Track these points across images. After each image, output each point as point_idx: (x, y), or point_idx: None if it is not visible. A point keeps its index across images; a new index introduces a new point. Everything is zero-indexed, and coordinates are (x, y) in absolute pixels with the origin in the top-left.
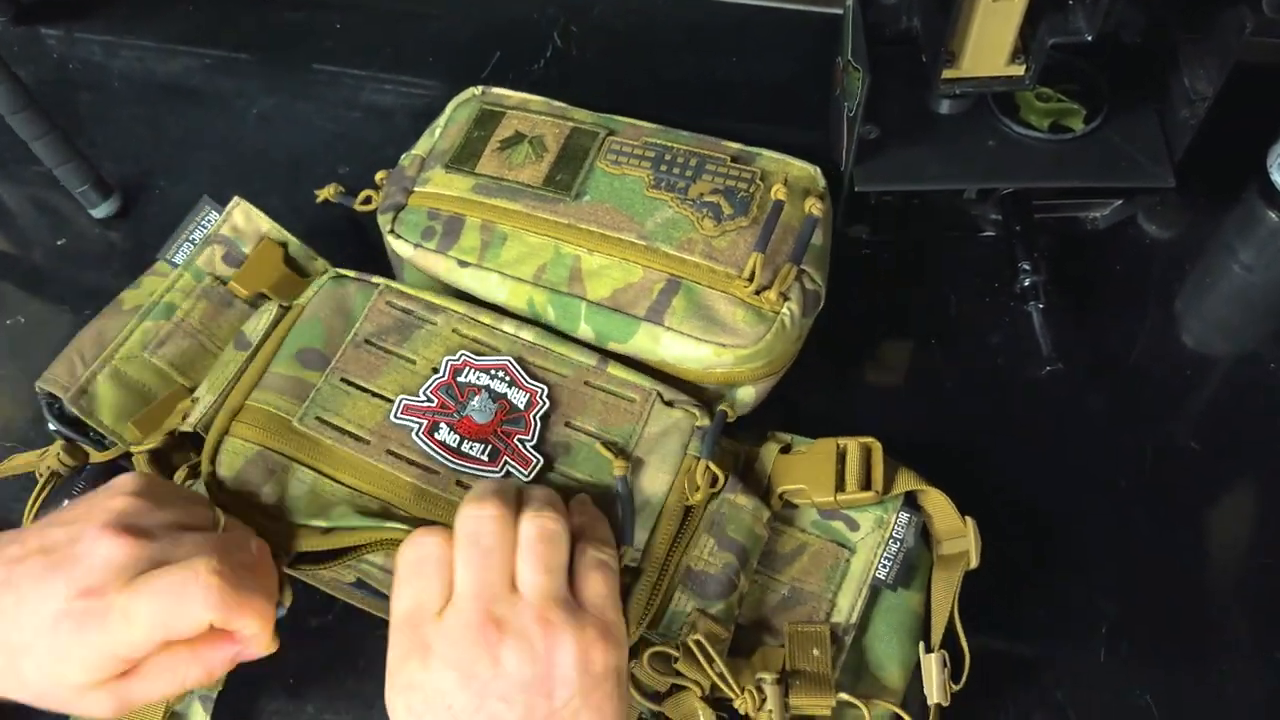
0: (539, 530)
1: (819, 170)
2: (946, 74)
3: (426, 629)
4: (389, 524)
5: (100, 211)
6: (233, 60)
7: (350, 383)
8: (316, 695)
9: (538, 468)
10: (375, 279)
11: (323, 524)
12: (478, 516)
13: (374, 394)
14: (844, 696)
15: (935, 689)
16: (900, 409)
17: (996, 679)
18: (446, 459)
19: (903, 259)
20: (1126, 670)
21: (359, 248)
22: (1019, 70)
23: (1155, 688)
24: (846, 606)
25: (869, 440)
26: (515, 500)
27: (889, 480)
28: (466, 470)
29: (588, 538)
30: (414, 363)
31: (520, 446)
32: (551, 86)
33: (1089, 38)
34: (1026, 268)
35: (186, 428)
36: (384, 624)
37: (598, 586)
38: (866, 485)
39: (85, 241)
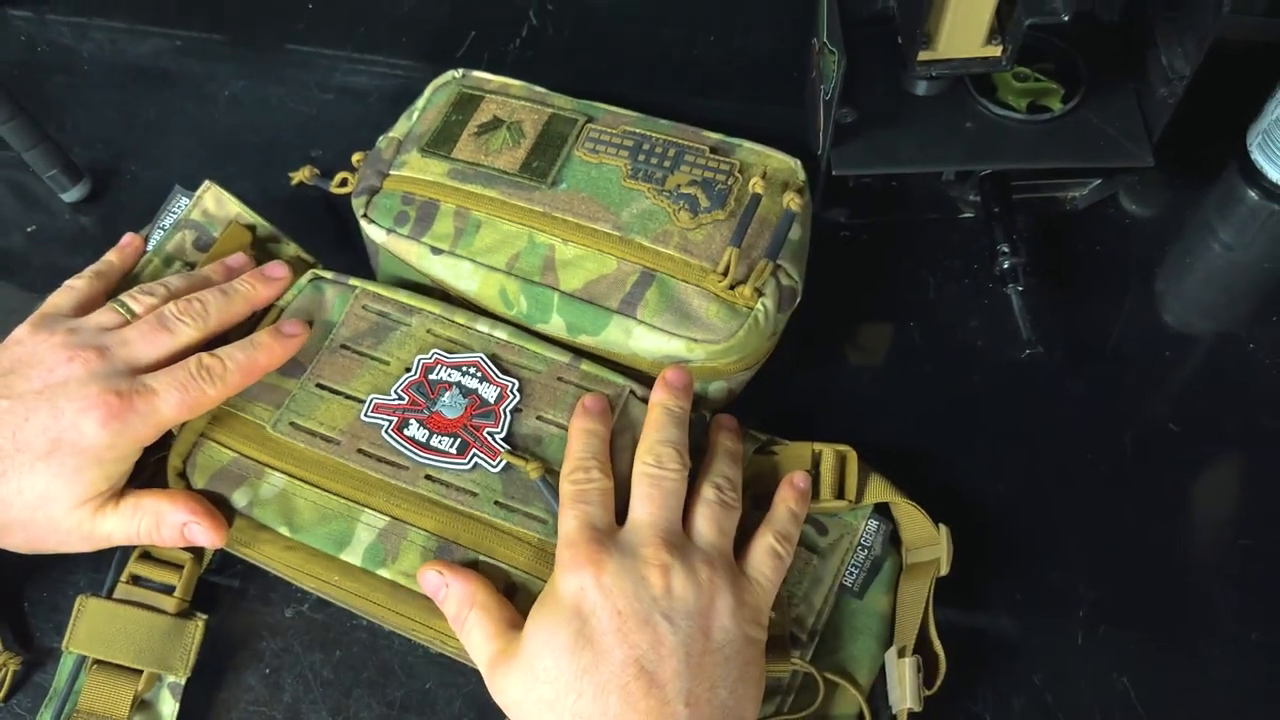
0: (717, 496)
1: (799, 163)
2: (923, 56)
3: (601, 540)
4: (343, 556)
5: (71, 196)
6: (204, 42)
7: (324, 387)
8: (292, 684)
9: (505, 459)
10: (352, 281)
11: (287, 533)
12: (659, 466)
13: (346, 396)
14: (798, 662)
15: (909, 694)
16: (878, 393)
17: (974, 663)
18: (415, 454)
19: (881, 242)
20: (1105, 653)
21: (333, 231)
22: (996, 51)
23: (1133, 671)
24: (812, 610)
25: (843, 447)
26: (687, 451)
27: (862, 488)
28: (435, 464)
29: (774, 524)
30: (387, 363)
31: (489, 439)
32: (528, 66)
33: (1065, 18)
34: (1005, 250)
35: None
36: (358, 616)
37: (765, 569)
38: (839, 493)
39: (56, 227)
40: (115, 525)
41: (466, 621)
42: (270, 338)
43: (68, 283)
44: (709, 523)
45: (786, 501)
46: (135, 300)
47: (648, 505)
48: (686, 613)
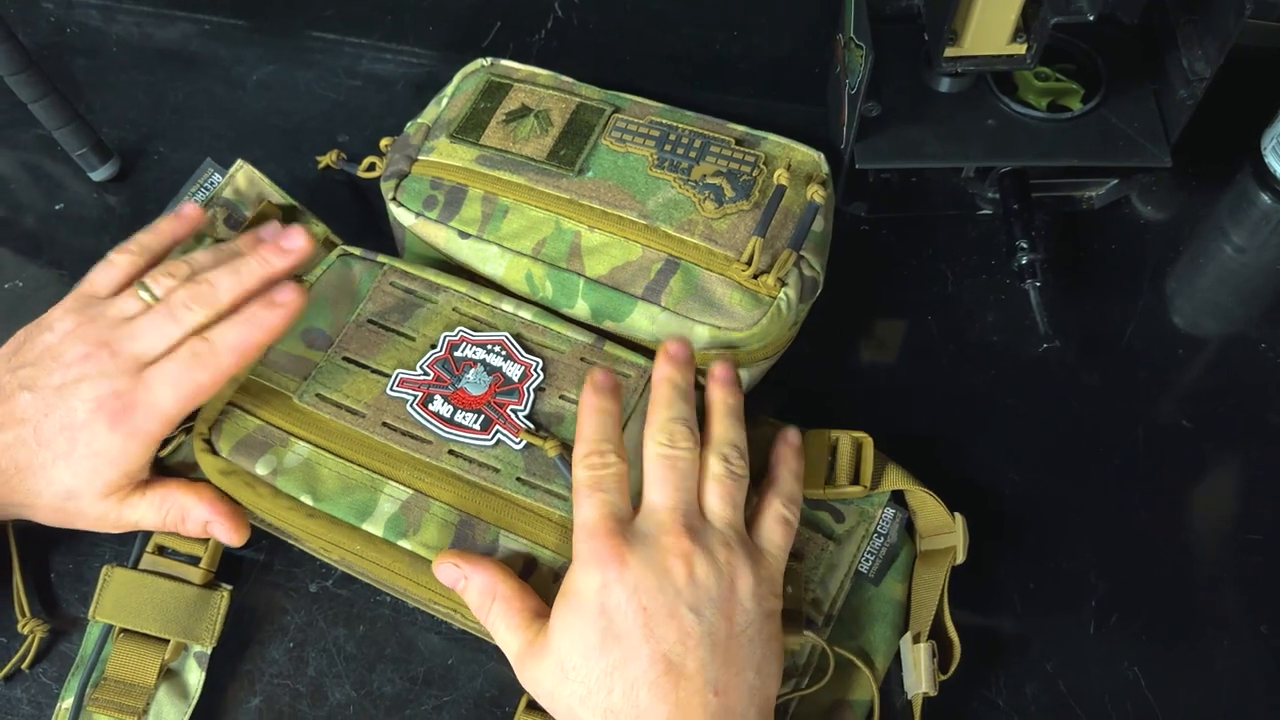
0: (726, 469)
1: (823, 156)
2: (949, 52)
3: (622, 532)
4: (365, 526)
5: (99, 175)
6: (231, 27)
7: (351, 360)
8: (316, 658)
9: (529, 436)
10: (380, 258)
11: (310, 502)
12: (672, 446)
13: (372, 370)
14: (810, 635)
15: (925, 679)
16: (895, 384)
17: (987, 649)
18: (439, 429)
19: (900, 237)
20: (1116, 643)
21: (359, 216)
22: (1020, 49)
23: (1144, 660)
24: (828, 596)
25: (860, 435)
26: (696, 427)
27: (878, 476)
28: (458, 439)
29: (778, 491)
30: (413, 339)
31: (512, 416)
32: (552, 57)
33: (1090, 18)
34: (1024, 246)
35: None
36: (382, 592)
37: (775, 537)
38: (855, 479)
39: (84, 206)
40: (143, 514)
41: (490, 613)
42: (262, 308)
43: (110, 255)
44: (721, 500)
45: (787, 463)
46: (157, 283)
47: (663, 489)
48: (710, 600)
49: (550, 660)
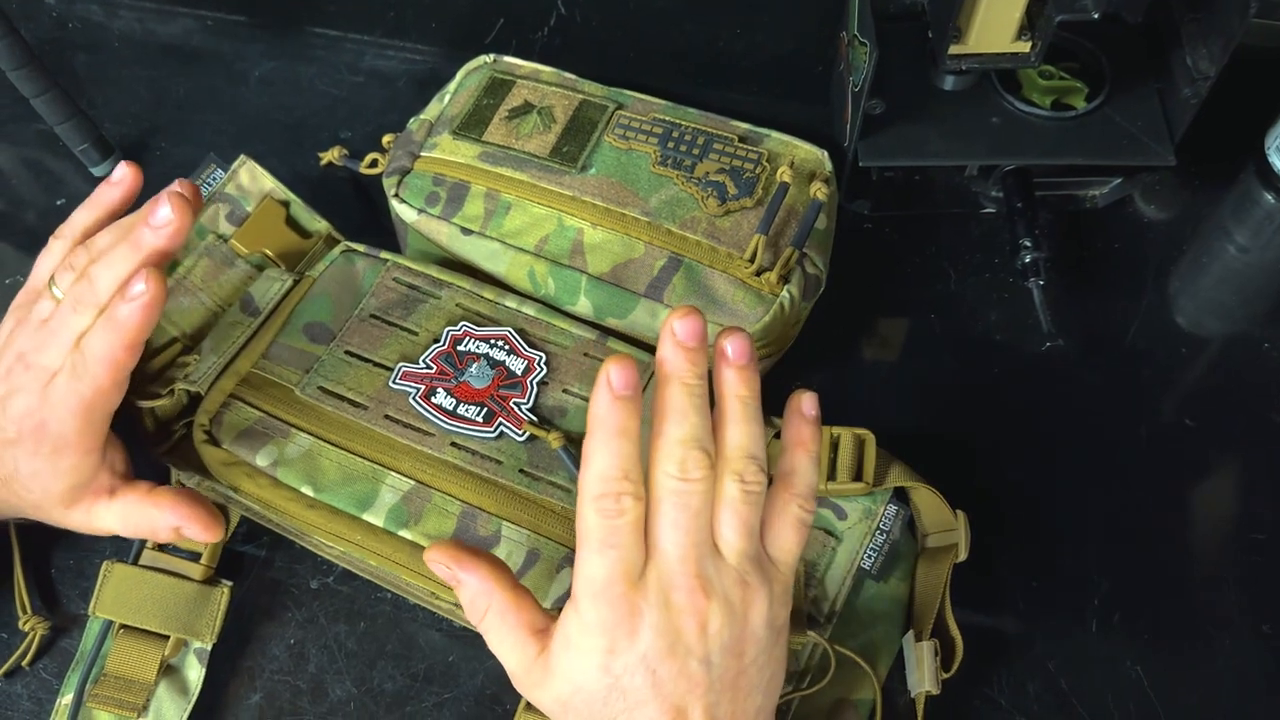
0: (742, 492)
1: (826, 154)
2: (953, 50)
3: (632, 596)
4: (366, 516)
5: (101, 170)
6: (233, 23)
7: (353, 354)
8: (317, 655)
9: (529, 429)
10: (384, 254)
11: (310, 493)
12: (684, 478)
13: (375, 363)
14: (813, 634)
15: (928, 677)
16: (898, 382)
17: (990, 648)
18: (442, 421)
19: (903, 235)
20: (1118, 642)
21: (361, 212)
22: (1025, 47)
23: (1146, 659)
24: (830, 594)
25: (862, 431)
26: (711, 442)
27: (881, 473)
28: (461, 431)
29: (795, 488)
30: (416, 334)
31: (516, 409)
32: (555, 54)
33: (1095, 15)
34: (1027, 244)
35: (189, 385)
36: (382, 588)
37: (790, 545)
38: (858, 476)
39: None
40: (112, 523)
41: (484, 622)
42: (121, 304)
43: (51, 243)
44: (737, 531)
45: (805, 446)
46: (63, 278)
47: (675, 533)
48: (722, 648)
49: (550, 694)
